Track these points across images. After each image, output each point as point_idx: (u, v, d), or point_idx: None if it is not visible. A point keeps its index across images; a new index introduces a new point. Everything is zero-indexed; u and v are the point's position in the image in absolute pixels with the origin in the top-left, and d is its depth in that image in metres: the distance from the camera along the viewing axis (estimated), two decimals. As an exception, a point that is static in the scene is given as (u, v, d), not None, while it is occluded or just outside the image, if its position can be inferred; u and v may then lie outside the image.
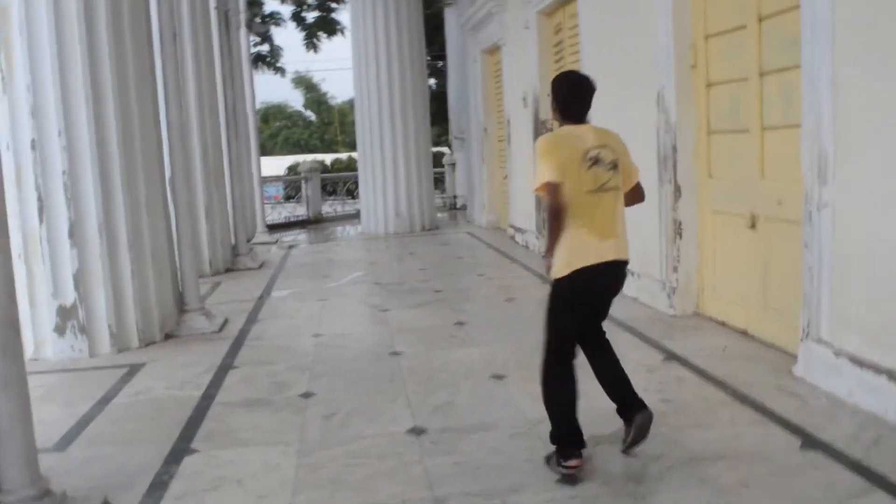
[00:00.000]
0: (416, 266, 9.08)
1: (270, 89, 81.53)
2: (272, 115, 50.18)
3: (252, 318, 6.43)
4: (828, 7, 3.88)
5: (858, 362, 3.77)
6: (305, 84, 48.88)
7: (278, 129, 49.45)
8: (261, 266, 9.52)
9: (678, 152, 5.67)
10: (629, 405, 3.34)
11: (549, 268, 3.22)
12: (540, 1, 8.96)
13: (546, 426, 3.26)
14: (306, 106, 50.73)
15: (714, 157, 5.53)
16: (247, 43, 13.01)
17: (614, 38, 6.86)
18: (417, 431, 3.68)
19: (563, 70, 3.33)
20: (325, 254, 10.78)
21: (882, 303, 3.67)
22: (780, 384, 4.10)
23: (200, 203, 8.74)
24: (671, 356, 4.74)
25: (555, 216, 3.12)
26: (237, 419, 4.00)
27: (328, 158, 30.48)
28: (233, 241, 9.60)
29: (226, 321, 6.25)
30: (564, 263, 3.14)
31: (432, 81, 25.64)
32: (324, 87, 49.69)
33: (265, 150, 44.71)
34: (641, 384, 4.17)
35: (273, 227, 14.12)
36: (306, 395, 4.30)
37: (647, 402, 3.77)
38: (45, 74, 5.10)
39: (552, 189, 3.10)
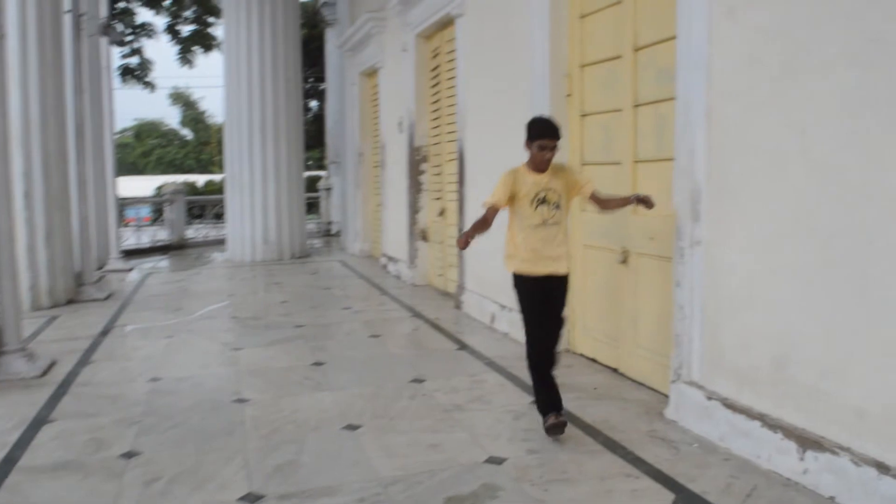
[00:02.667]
0: (279, 298, 8.50)
1: (145, 105, 78.46)
2: (146, 133, 48.07)
3: (84, 360, 5.67)
4: (704, 39, 3.74)
5: (731, 406, 3.63)
6: (183, 101, 47.18)
7: (152, 148, 47.38)
8: (108, 297, 8.66)
9: (551, 183, 5.45)
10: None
11: None
12: (419, 23, 8.68)
13: (398, 488, 3.18)
14: (183, 124, 48.91)
15: (587, 190, 5.34)
16: (107, 52, 12.10)
17: (491, 64, 6.64)
18: (252, 499, 3.18)
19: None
20: (183, 283, 9.98)
21: (755, 346, 3.52)
22: (651, 429, 3.92)
23: (40, 226, 7.85)
24: (540, 399, 4.44)
25: None
26: (38, 489, 3.35)
27: (201, 180, 29.22)
28: (77, 268, 8.69)
29: (52, 364, 5.48)
30: None
31: (314, 104, 25.13)
32: (203, 106, 48.03)
33: (137, 170, 42.82)
34: (506, 433, 3.88)
35: (132, 253, 13.16)
36: (128, 456, 3.69)
37: (511, 454, 3.56)
38: None
39: None
